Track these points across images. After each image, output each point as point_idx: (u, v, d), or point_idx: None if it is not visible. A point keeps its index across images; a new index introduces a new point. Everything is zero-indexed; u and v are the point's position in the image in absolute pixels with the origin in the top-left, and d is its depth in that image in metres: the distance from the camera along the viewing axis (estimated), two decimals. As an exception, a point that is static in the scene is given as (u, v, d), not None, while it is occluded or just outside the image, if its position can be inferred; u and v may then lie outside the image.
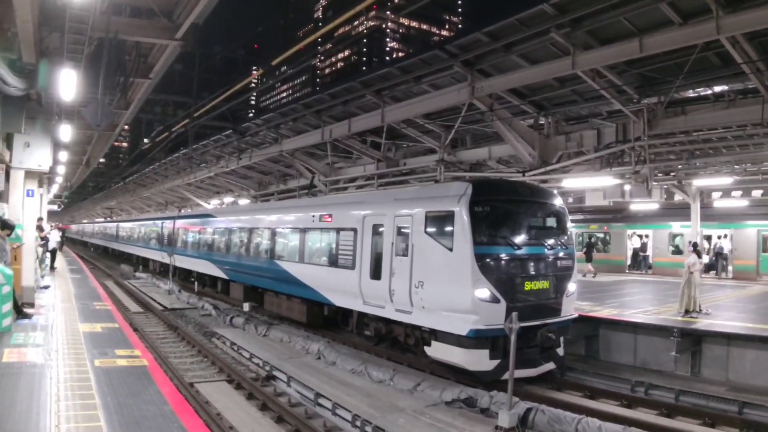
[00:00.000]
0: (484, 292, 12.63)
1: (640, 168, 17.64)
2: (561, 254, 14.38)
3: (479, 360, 12.82)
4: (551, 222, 15.14)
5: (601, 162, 18.64)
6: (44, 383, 9.43)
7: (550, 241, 14.34)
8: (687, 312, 16.70)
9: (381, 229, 15.70)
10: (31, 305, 16.89)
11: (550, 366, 13.90)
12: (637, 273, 35.21)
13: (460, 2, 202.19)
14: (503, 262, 13.26)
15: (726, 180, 23.76)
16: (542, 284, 13.75)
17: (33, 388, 9.14)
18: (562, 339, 14.13)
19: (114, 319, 16.94)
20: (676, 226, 33.11)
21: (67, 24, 10.64)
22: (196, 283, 31.73)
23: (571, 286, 14.40)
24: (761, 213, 30.36)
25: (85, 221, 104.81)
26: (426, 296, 13.70)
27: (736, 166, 22.33)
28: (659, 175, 23.51)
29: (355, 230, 16.74)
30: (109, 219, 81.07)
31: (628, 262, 36.48)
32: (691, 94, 16.96)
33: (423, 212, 14.19)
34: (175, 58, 15.44)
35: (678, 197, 29.71)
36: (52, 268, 30.13)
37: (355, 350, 17.32)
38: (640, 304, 19.65)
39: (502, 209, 14.21)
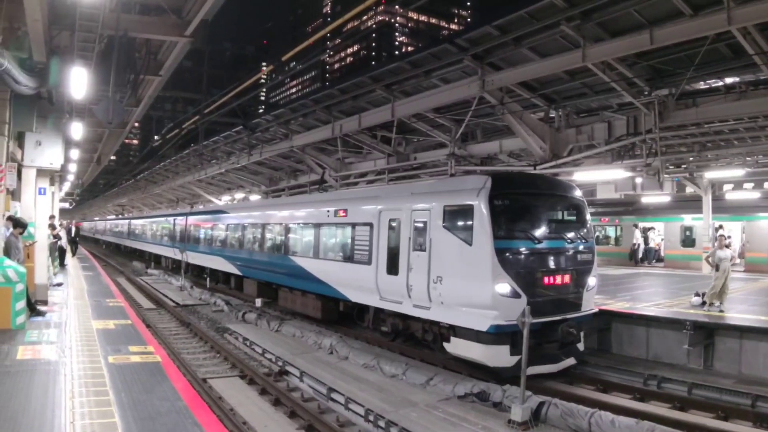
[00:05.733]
0: (505, 287, 12.47)
1: (651, 160, 17.57)
2: (581, 247, 14.19)
3: (499, 356, 12.65)
4: (571, 215, 14.93)
5: (612, 155, 18.57)
6: (59, 380, 9.49)
7: (570, 235, 14.14)
8: (711, 304, 16.54)
9: (397, 224, 15.53)
10: (45, 302, 16.99)
11: (570, 361, 13.73)
12: (648, 266, 35.17)
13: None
14: (523, 256, 13.08)
15: (738, 172, 23.64)
16: (563, 279, 13.56)
17: (48, 384, 9.19)
18: (582, 334, 13.98)
19: (127, 315, 17.04)
20: (687, 219, 32.98)
21: (77, 22, 10.68)
22: (208, 279, 31.79)
23: (591, 280, 14.23)
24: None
25: (96, 218, 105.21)
26: (445, 291, 13.53)
27: (747, 158, 22.25)
28: (671, 167, 23.44)
29: (370, 225, 16.59)
30: (120, 216, 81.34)
31: (640, 254, 36.40)
32: (702, 85, 16.86)
33: (441, 206, 14.02)
34: (184, 54, 15.45)
35: (690, 190, 29.58)
36: (62, 265, 30.22)
37: (368, 345, 17.35)
38: (652, 297, 19.55)
39: (521, 202, 14.03)
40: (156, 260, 45.73)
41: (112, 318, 16.16)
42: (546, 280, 13.23)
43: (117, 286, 28.02)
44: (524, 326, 10.82)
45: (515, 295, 12.49)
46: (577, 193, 15.12)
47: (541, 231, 13.59)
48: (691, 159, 22.51)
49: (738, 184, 32.00)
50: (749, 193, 30.89)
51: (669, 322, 15.46)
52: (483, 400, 11.94)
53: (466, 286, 13.08)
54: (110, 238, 74.61)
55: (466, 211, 13.32)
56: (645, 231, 37.41)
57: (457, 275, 13.36)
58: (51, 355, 11.14)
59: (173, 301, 26.60)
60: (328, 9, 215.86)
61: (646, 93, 16.29)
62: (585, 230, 14.69)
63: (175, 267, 38.28)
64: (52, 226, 23.43)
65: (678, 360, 15.09)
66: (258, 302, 24.38)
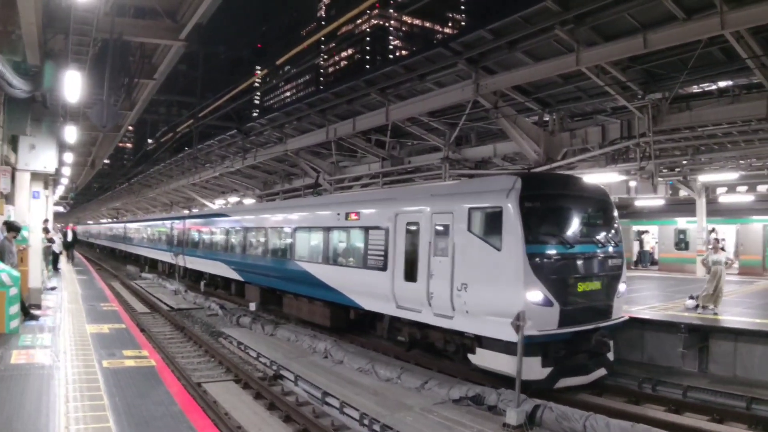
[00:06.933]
0: (537, 294, 11.77)
1: (645, 164, 17.61)
2: (612, 252, 13.54)
3: (531, 368, 11.75)
4: (602, 218, 14.16)
5: (606, 158, 18.64)
6: (53, 384, 9.45)
7: (601, 239, 13.46)
8: (705, 307, 16.59)
9: (416, 228, 14.65)
10: (38, 307, 16.93)
11: (601, 372, 13.07)
12: (642, 269, 35.27)
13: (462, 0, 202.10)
14: (556, 261, 12.36)
15: (731, 175, 23.74)
16: (595, 285, 12.95)
17: (42, 389, 9.15)
18: (612, 343, 13.30)
19: (121, 319, 16.98)
20: (681, 222, 33.10)
21: (72, 26, 10.68)
22: (202, 284, 31.66)
23: (622, 286, 13.68)
24: (767, 208, 30.28)
25: (90, 222, 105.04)
26: (470, 300, 12.73)
27: (741, 162, 22.34)
28: (664, 171, 23.51)
29: (386, 229, 15.70)
30: (115, 220, 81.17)
31: (634, 258, 36.48)
32: (695, 89, 16.97)
33: (465, 209, 13.19)
34: (179, 58, 15.45)
35: (683, 193, 29.66)
36: (56, 269, 30.13)
37: (362, 349, 17.30)
38: (646, 300, 19.55)
39: (553, 205, 13.31)
40: (152, 265, 45.59)
41: (107, 322, 16.11)
42: (578, 286, 12.59)
43: (111, 290, 27.96)
44: (519, 330, 10.82)
45: (547, 303, 11.83)
46: (607, 195, 14.62)
47: (573, 235, 13.00)
48: (684, 162, 22.57)
49: (731, 188, 32.14)
50: (743, 197, 31.00)
51: (664, 325, 15.47)
52: (478, 403, 11.91)
53: (494, 293, 12.28)
54: (105, 242, 74.36)
55: (495, 214, 12.55)
56: (640, 234, 37.53)
57: (485, 282, 12.55)
58: (45, 359, 11.10)
59: (167, 305, 26.55)
60: (322, 13, 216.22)
61: (640, 97, 16.34)
62: (615, 233, 14.07)
63: (172, 271, 38.20)
64: (45, 230, 23.37)
65: (673, 363, 15.08)
66: (252, 306, 24.27)
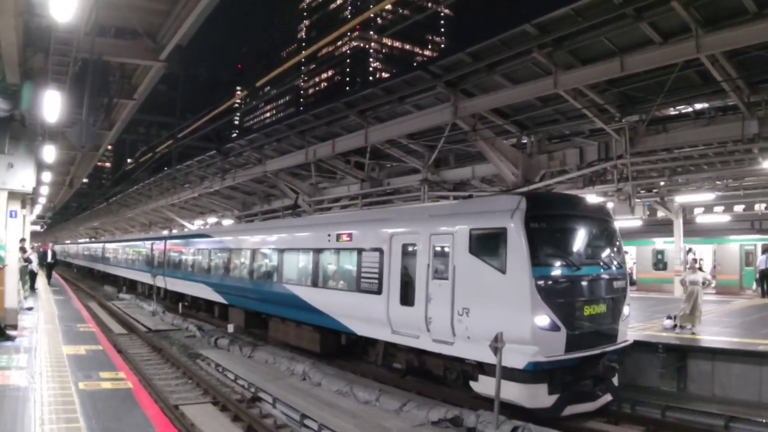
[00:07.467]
0: (544, 319, 11.40)
1: (622, 185, 17.75)
2: (616, 273, 13.23)
3: (537, 396, 11.56)
4: (607, 239, 13.84)
5: (583, 180, 18.77)
6: (28, 406, 9.35)
7: (607, 260, 13.21)
8: (682, 327, 16.72)
9: (413, 249, 14.22)
10: (14, 327, 16.76)
11: (607, 398, 12.71)
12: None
13: (442, 23, 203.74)
14: (562, 284, 12.03)
15: (708, 196, 24.03)
16: (601, 308, 12.56)
17: (17, 411, 9.05)
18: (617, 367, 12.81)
19: (98, 341, 16.83)
20: (659, 242, 33.39)
21: (52, 45, 10.65)
22: (180, 305, 31.36)
23: (626, 309, 13.35)
24: (743, 228, 30.67)
25: (68, 242, 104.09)
26: (472, 325, 12.30)
27: (717, 182, 22.57)
28: (642, 192, 23.70)
29: (380, 250, 15.23)
30: (93, 240, 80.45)
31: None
32: (672, 111, 17.16)
33: (467, 230, 12.79)
34: (159, 78, 15.44)
35: (661, 214, 29.94)
36: (33, 289, 29.80)
37: (341, 371, 17.21)
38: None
39: (559, 225, 12.99)
40: (131, 286, 45.07)
41: (83, 343, 15.96)
42: (585, 310, 12.22)
43: (88, 310, 27.64)
44: (497, 352, 10.81)
45: (554, 328, 11.46)
46: (610, 214, 14.46)
47: (579, 256, 12.69)
48: (662, 183, 22.80)
49: (708, 208, 32.51)
50: (719, 217, 31.36)
51: (642, 345, 15.52)
52: (457, 425, 11.88)
53: (498, 318, 11.67)
54: (82, 262, 73.58)
55: (498, 235, 12.13)
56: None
57: (488, 306, 12.13)
58: (20, 380, 10.98)
59: (145, 327, 26.31)
60: (303, 34, 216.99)
61: (617, 119, 16.48)
62: (619, 255, 13.84)
63: (151, 293, 37.86)
64: (23, 250, 23.15)
65: (652, 383, 15.13)
66: (230, 328, 24.06)
